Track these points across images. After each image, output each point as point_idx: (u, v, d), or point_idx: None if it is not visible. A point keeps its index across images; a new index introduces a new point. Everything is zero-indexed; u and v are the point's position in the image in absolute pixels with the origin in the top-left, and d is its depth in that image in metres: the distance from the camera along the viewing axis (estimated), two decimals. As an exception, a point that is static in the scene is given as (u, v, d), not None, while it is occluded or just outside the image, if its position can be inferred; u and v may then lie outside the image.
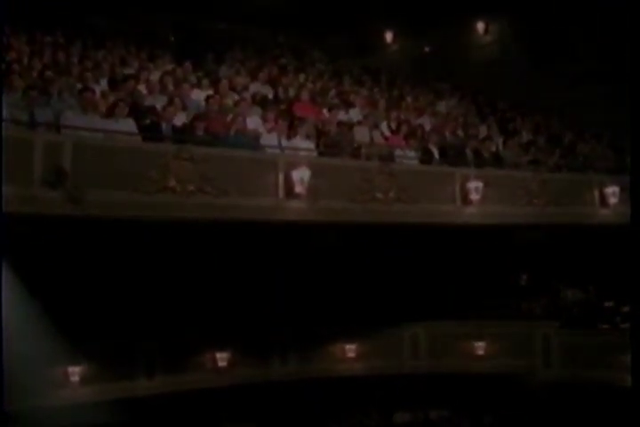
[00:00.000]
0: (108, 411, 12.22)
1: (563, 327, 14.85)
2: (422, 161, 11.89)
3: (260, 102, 12.64)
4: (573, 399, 13.63)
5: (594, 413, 12.86)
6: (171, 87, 11.97)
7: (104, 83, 11.74)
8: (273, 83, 14.34)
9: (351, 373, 15.00)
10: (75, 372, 12.79)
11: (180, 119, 10.45)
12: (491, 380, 14.58)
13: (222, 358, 14.07)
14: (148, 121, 10.06)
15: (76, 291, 11.73)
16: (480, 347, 15.09)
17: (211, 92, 12.11)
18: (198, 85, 12.61)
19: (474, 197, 11.32)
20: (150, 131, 9.70)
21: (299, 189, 9.72)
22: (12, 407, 10.70)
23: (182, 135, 9.75)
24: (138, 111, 10.21)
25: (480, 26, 21.41)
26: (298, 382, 14.35)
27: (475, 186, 11.33)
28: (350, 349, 15.06)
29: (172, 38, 19.86)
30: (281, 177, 9.77)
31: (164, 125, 9.96)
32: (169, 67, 13.69)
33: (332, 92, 14.70)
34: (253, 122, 11.24)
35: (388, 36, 24.00)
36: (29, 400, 11.64)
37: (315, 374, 14.69)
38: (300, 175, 9.74)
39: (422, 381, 14.76)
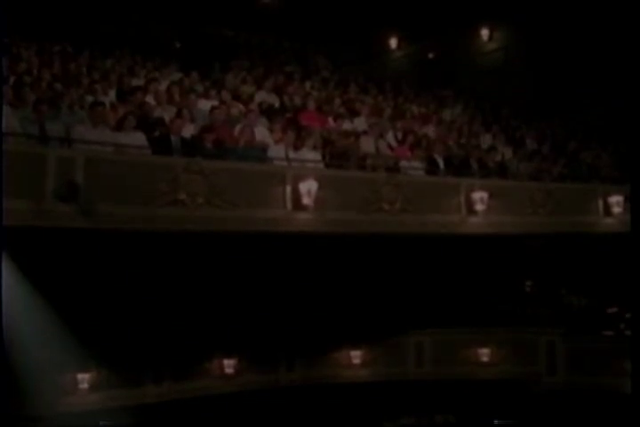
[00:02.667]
0: (116, 418, 12.38)
1: (567, 334, 14.95)
2: (428, 171, 12.01)
3: (267, 112, 12.74)
4: (578, 406, 13.73)
5: (598, 419, 12.95)
6: (178, 98, 12.10)
7: (112, 94, 11.88)
8: (279, 91, 14.45)
9: (357, 379, 15.13)
10: (83, 379, 12.94)
11: (188, 130, 10.56)
12: (495, 386, 14.69)
13: (229, 365, 14.23)
14: (157, 133, 10.18)
15: (87, 299, 11.86)
16: (485, 354, 15.21)
17: (217, 102, 12.24)
18: (205, 95, 12.74)
19: (479, 207, 11.43)
20: (160, 143, 9.81)
21: (306, 200, 9.84)
22: (21, 414, 10.87)
23: (191, 148, 9.86)
24: (146, 123, 10.33)
25: (484, 32, 21.50)
26: (304, 389, 14.48)
27: (480, 196, 11.44)
28: (356, 355, 15.21)
29: (178, 45, 20.00)
30: (289, 189, 9.88)
31: (172, 137, 10.07)
32: (176, 76, 13.81)
33: (338, 101, 14.81)
34: (260, 132, 11.35)
35: (393, 43, 24.12)
36: (39, 407, 11.79)
37: (320, 380, 14.83)
38: (308, 187, 9.86)
39: (427, 387, 14.87)
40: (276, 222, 9.80)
